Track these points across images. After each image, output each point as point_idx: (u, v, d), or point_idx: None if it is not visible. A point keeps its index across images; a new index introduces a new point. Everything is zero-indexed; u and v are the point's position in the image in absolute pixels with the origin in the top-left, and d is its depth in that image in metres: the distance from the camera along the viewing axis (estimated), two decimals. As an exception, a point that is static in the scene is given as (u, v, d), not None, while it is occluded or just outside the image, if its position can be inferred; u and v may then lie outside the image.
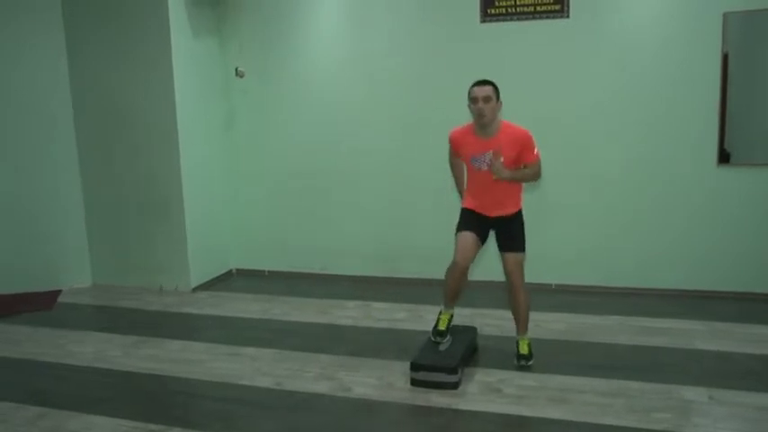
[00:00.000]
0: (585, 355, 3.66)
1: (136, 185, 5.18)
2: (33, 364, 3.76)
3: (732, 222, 4.57)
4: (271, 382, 3.41)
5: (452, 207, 3.66)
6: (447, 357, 3.34)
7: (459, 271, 3.40)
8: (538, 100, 4.75)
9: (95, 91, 5.16)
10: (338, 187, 5.38)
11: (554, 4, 4.67)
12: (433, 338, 3.53)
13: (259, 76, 5.44)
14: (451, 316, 3.59)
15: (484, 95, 3.27)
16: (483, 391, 3.21)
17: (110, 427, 2.96)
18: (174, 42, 4.90)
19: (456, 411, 3.02)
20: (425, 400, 3.14)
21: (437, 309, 3.68)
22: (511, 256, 3.45)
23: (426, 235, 5.07)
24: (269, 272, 5.70)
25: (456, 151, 3.53)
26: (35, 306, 4.87)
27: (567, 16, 4.68)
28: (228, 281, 5.60)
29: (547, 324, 4.12)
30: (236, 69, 5.41)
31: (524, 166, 3.36)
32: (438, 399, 3.14)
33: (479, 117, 3.30)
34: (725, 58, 4.42)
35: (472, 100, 3.31)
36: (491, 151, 3.30)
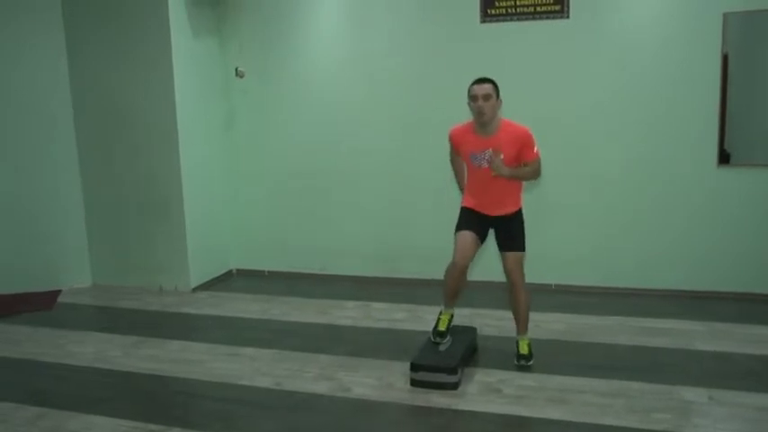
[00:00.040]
0: (585, 355, 3.66)
1: (136, 185, 5.18)
2: (33, 365, 3.76)
3: (732, 223, 4.56)
4: (270, 382, 3.41)
5: (452, 207, 3.66)
6: (447, 358, 3.34)
7: (458, 270, 3.39)
8: (538, 100, 4.75)
9: (95, 91, 5.16)
10: (338, 187, 5.38)
11: (554, 4, 4.67)
12: (432, 339, 3.53)
13: (259, 76, 5.44)
14: (451, 316, 3.58)
15: (484, 93, 3.27)
16: (483, 392, 3.21)
17: (109, 427, 2.96)
18: (174, 42, 4.90)
19: (456, 412, 3.02)
20: (425, 400, 3.14)
21: (437, 309, 3.68)
22: (511, 255, 3.44)
23: (426, 235, 5.07)
24: (269, 272, 5.70)
25: (456, 149, 3.53)
26: (35, 306, 4.87)
27: (567, 16, 4.68)
28: (228, 281, 5.60)
29: (547, 324, 4.12)
30: (236, 69, 5.41)
31: (524, 165, 3.36)
32: (438, 399, 3.14)
33: (479, 115, 3.29)
34: (725, 58, 4.42)
35: (472, 98, 3.31)
36: (491, 149, 3.30)
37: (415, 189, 5.16)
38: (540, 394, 3.16)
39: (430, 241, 4.96)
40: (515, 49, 4.81)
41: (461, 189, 3.69)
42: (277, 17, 5.31)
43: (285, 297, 4.99)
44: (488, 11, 4.83)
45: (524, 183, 3.52)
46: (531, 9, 4.72)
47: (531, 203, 4.50)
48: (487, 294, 4.66)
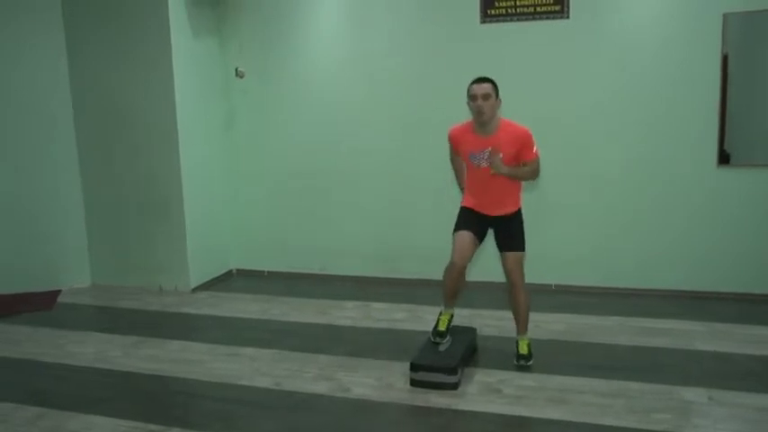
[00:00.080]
0: (585, 355, 3.66)
1: (136, 185, 5.18)
2: (33, 365, 3.76)
3: (732, 223, 4.56)
4: (270, 382, 3.41)
5: (452, 207, 3.66)
6: (446, 358, 3.34)
7: (456, 271, 3.39)
8: (538, 100, 4.75)
9: (95, 91, 5.16)
10: (338, 187, 5.38)
11: (554, 4, 4.67)
12: (432, 339, 3.53)
13: (259, 76, 5.44)
14: (451, 316, 3.58)
15: (483, 93, 3.27)
16: (482, 392, 3.21)
17: (109, 427, 2.96)
18: (174, 42, 4.90)
19: (455, 412, 3.02)
20: (425, 400, 3.14)
21: (437, 309, 3.68)
22: (511, 255, 3.44)
23: (426, 235, 5.06)
24: (269, 272, 5.70)
25: (455, 149, 3.53)
26: (35, 306, 4.87)
27: (567, 17, 4.68)
28: (228, 281, 5.60)
29: (546, 324, 4.12)
30: (236, 69, 5.41)
31: (523, 165, 3.36)
32: (437, 399, 3.14)
33: (478, 114, 3.29)
34: (725, 58, 4.42)
35: (471, 97, 3.31)
36: (490, 148, 3.30)
37: (415, 189, 5.16)
38: (539, 394, 3.16)
39: (430, 241, 4.95)
40: (515, 49, 4.81)
41: (462, 189, 3.68)
42: (277, 17, 5.31)
43: (285, 297, 4.99)
44: (488, 11, 4.83)
45: (524, 183, 3.52)
46: (531, 9, 4.72)
47: (531, 203, 4.50)
48: (487, 295, 4.66)
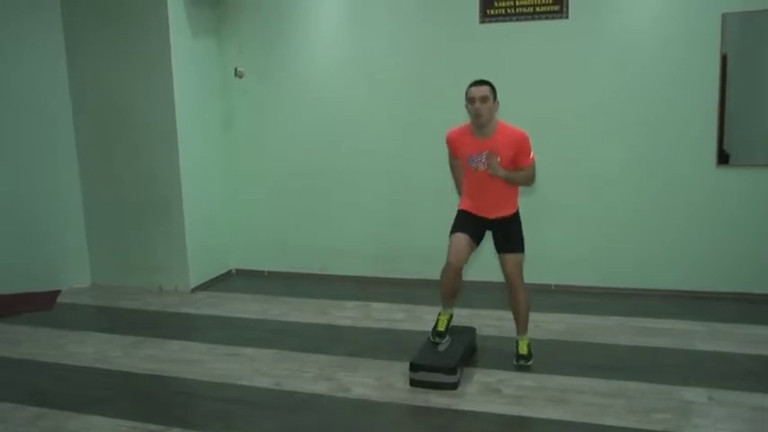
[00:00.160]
0: (585, 355, 3.67)
1: (135, 185, 5.18)
2: (33, 365, 3.76)
3: (731, 223, 4.57)
4: (270, 382, 3.41)
5: (452, 207, 3.66)
6: (446, 358, 3.34)
7: (452, 271, 3.40)
8: (537, 100, 4.76)
9: (95, 91, 5.16)
10: (338, 187, 5.38)
11: (553, 4, 4.67)
12: (432, 339, 3.53)
13: (259, 76, 5.44)
14: (450, 316, 3.58)
15: (481, 95, 3.27)
16: (482, 392, 3.21)
17: (109, 427, 2.96)
18: (174, 42, 4.90)
19: (455, 412, 3.02)
20: (424, 400, 3.14)
21: (436, 309, 3.68)
22: (510, 257, 3.44)
23: (426, 235, 5.06)
24: (268, 272, 5.70)
25: (453, 152, 3.53)
26: (35, 306, 4.87)
27: (567, 17, 4.68)
28: (228, 281, 5.60)
29: (546, 324, 4.12)
30: (236, 70, 5.41)
31: (520, 169, 3.36)
32: (437, 399, 3.14)
33: (476, 117, 3.30)
34: (724, 58, 4.42)
35: (469, 100, 3.31)
36: (487, 151, 3.30)
37: (414, 189, 5.16)
38: (539, 394, 3.16)
39: (430, 241, 4.94)
40: (515, 49, 4.82)
41: (460, 194, 3.68)
42: (277, 17, 5.32)
43: (285, 297, 4.99)
44: (488, 11, 4.83)
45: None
46: (531, 9, 4.72)
47: (531, 203, 4.50)
48: (486, 295, 4.66)
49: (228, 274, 5.74)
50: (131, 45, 4.99)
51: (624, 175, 4.73)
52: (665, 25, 4.53)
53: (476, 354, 3.68)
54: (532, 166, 3.38)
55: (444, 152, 3.70)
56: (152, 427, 2.95)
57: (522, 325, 3.56)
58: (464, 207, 3.52)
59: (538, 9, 4.71)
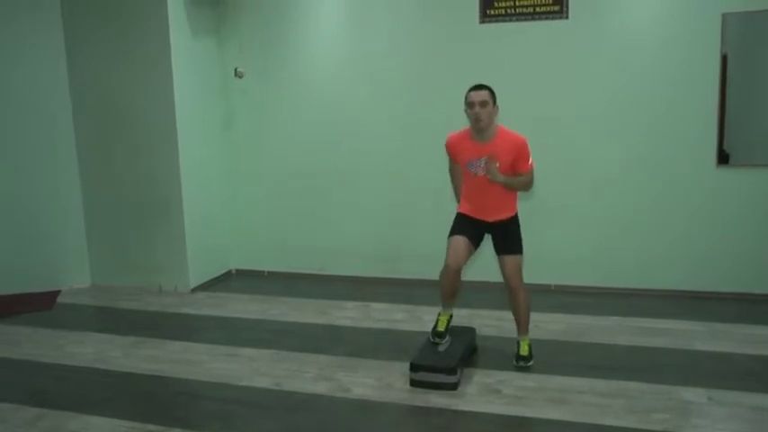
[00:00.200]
0: (585, 355, 3.67)
1: (135, 185, 5.18)
2: (33, 365, 3.76)
3: (731, 223, 4.57)
4: (269, 382, 3.41)
5: (452, 207, 3.66)
6: (446, 358, 3.34)
7: (450, 274, 3.40)
8: (537, 100, 4.76)
9: (95, 91, 5.16)
10: (338, 187, 5.38)
11: (553, 4, 4.67)
12: (432, 339, 3.53)
13: (259, 76, 5.44)
14: (450, 317, 3.58)
15: (480, 100, 3.27)
16: (482, 392, 3.21)
17: (109, 427, 2.96)
18: (174, 42, 4.90)
19: (455, 412, 3.02)
20: (425, 400, 3.14)
21: (436, 309, 3.68)
22: (509, 258, 3.44)
23: (426, 235, 5.06)
24: (268, 272, 5.70)
25: (453, 157, 3.52)
26: (34, 306, 4.87)
27: (567, 17, 4.68)
28: (228, 281, 5.60)
29: (546, 325, 4.12)
30: (236, 70, 5.41)
31: (518, 175, 3.35)
32: (437, 399, 3.14)
33: (476, 121, 3.29)
34: (724, 58, 4.42)
35: (469, 104, 3.31)
36: (486, 156, 3.30)
37: (414, 189, 5.16)
38: (539, 395, 3.16)
39: (430, 241, 4.94)
40: (515, 49, 4.82)
41: (458, 200, 3.67)
42: (277, 17, 5.31)
43: (284, 297, 4.99)
44: (487, 11, 4.83)
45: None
46: (531, 9, 4.72)
47: (531, 204, 4.51)
48: (486, 295, 4.66)
49: (228, 274, 5.74)
50: (131, 45, 4.99)
51: (624, 175, 4.73)
52: (665, 25, 4.53)
53: (476, 354, 3.68)
54: (531, 172, 3.38)
55: (444, 154, 3.70)
56: (151, 427, 2.95)
57: (522, 326, 3.56)
58: (463, 210, 3.52)
59: (538, 9, 4.71)
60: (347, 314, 4.54)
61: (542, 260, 4.78)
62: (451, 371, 3.23)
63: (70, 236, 5.32)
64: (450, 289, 3.48)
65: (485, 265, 4.59)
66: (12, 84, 5.00)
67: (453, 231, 3.47)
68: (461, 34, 4.90)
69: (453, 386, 3.22)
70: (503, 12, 4.79)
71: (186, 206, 5.09)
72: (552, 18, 4.70)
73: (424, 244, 5.09)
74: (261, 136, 5.54)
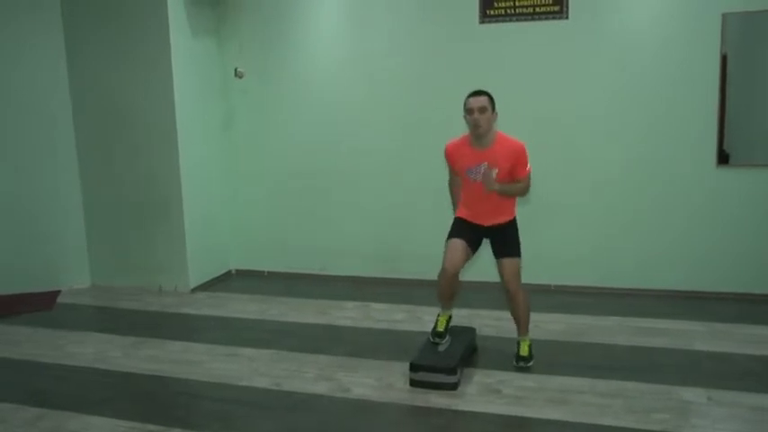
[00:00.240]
0: (584, 355, 3.67)
1: (135, 186, 5.18)
2: (33, 365, 3.76)
3: (731, 223, 4.57)
4: (269, 382, 3.41)
5: (452, 207, 3.66)
6: (446, 358, 3.35)
7: (447, 277, 3.40)
8: (538, 100, 4.76)
9: (95, 91, 5.16)
10: (338, 187, 5.38)
11: (553, 5, 4.67)
12: (431, 339, 3.53)
13: (259, 76, 5.44)
14: (450, 317, 3.59)
15: (479, 106, 3.27)
16: (482, 392, 3.21)
17: (109, 427, 2.96)
18: (174, 42, 4.90)
19: (455, 412, 3.02)
20: (425, 400, 3.14)
21: (436, 309, 3.68)
22: (507, 261, 3.44)
23: (426, 235, 5.05)
24: (268, 272, 5.70)
25: (452, 165, 3.50)
26: (34, 306, 4.87)
27: (567, 17, 4.68)
28: (227, 281, 5.60)
29: (545, 325, 4.12)
30: (236, 70, 5.41)
31: (516, 181, 3.36)
32: (437, 399, 3.14)
33: (475, 128, 3.30)
34: (724, 58, 4.42)
35: (468, 111, 3.31)
36: (485, 163, 3.30)
37: (414, 189, 5.16)
38: (539, 395, 3.16)
39: (430, 241, 4.92)
40: (515, 49, 4.82)
41: (455, 212, 3.65)
42: (277, 17, 5.32)
43: (284, 297, 4.99)
44: (487, 11, 4.83)
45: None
46: (530, 10, 4.72)
47: (532, 204, 4.52)
48: (486, 295, 4.66)
49: (228, 274, 5.74)
50: (131, 45, 4.99)
51: (624, 175, 4.73)
52: (665, 25, 4.53)
53: (476, 354, 3.68)
54: (528, 178, 3.40)
55: (443, 160, 3.66)
56: (151, 427, 2.95)
57: (522, 327, 3.56)
58: (461, 215, 3.52)
59: (538, 9, 4.71)
60: (347, 314, 4.54)
61: (542, 260, 4.78)
62: (451, 371, 3.23)
63: (70, 236, 5.32)
64: (447, 291, 3.49)
65: (485, 265, 4.57)
66: (12, 84, 5.00)
67: (451, 235, 3.48)
68: (461, 34, 4.90)
69: (453, 386, 3.22)
70: (503, 12, 4.79)
71: (186, 206, 5.09)
72: (552, 18, 4.70)
73: (423, 244, 5.09)
74: (261, 136, 5.54)
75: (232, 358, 3.77)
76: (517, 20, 4.77)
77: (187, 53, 5.06)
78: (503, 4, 4.78)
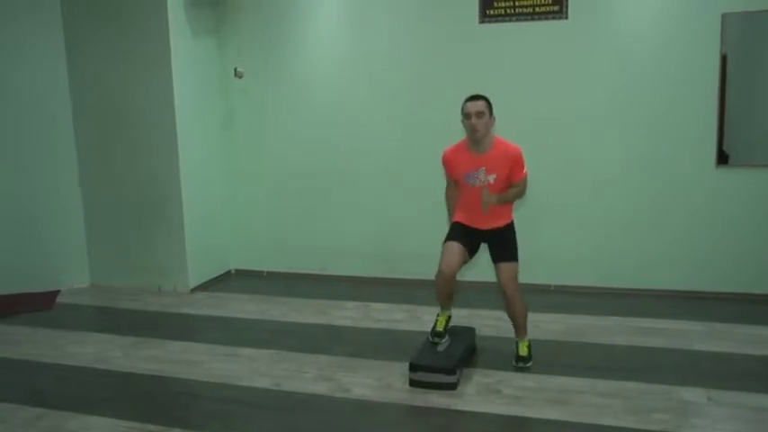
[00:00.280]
0: (584, 355, 3.67)
1: (135, 186, 5.18)
2: (32, 365, 3.76)
3: (731, 223, 4.57)
4: (269, 382, 3.41)
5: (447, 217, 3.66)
6: (445, 358, 3.35)
7: (444, 279, 3.40)
8: (538, 100, 4.76)
9: (95, 91, 5.16)
10: (338, 187, 5.38)
11: (553, 5, 4.67)
12: (431, 339, 3.53)
13: (258, 77, 5.44)
14: (449, 317, 3.59)
15: (477, 110, 3.28)
16: (482, 392, 3.21)
17: (108, 427, 2.96)
18: (174, 43, 4.90)
19: (455, 412, 3.02)
20: (424, 400, 3.14)
21: (436, 309, 3.68)
22: (504, 266, 3.44)
23: (426, 235, 5.03)
24: (268, 272, 5.70)
25: (450, 171, 3.50)
26: (34, 306, 4.87)
27: (566, 17, 4.68)
28: (227, 281, 5.60)
29: (545, 325, 4.12)
30: (236, 70, 5.40)
31: (512, 185, 3.38)
32: (437, 399, 3.14)
33: (472, 132, 3.30)
34: (723, 59, 4.42)
35: (465, 115, 3.32)
36: (483, 168, 3.31)
37: (414, 189, 5.16)
38: (538, 395, 3.16)
39: (430, 241, 4.90)
40: (515, 49, 4.82)
41: (450, 222, 3.64)
42: (277, 17, 5.32)
43: (284, 297, 4.99)
44: (487, 11, 4.83)
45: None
46: (530, 10, 4.72)
47: (531, 204, 4.52)
48: (485, 295, 4.65)
49: (228, 274, 5.74)
50: (131, 45, 4.99)
51: (624, 175, 4.73)
52: (665, 25, 4.53)
53: (475, 354, 3.68)
54: (525, 180, 3.41)
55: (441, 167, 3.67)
56: (151, 427, 2.95)
57: (520, 329, 3.56)
58: (458, 219, 3.52)
59: (537, 9, 4.71)
60: (347, 314, 4.54)
61: (542, 260, 4.78)
62: (451, 371, 3.23)
63: (70, 236, 5.32)
64: (445, 292, 3.49)
65: (484, 265, 4.57)
66: (12, 84, 5.00)
67: (448, 238, 3.49)
68: (461, 34, 4.90)
69: (453, 386, 3.22)
70: (502, 12, 4.79)
71: (186, 206, 5.09)
72: (552, 18, 4.70)
73: (424, 244, 5.07)
74: (261, 136, 5.54)
75: (232, 358, 3.77)
76: (517, 20, 4.77)
77: (187, 53, 5.06)
78: (502, 4, 4.78)
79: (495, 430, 2.87)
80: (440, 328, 3.52)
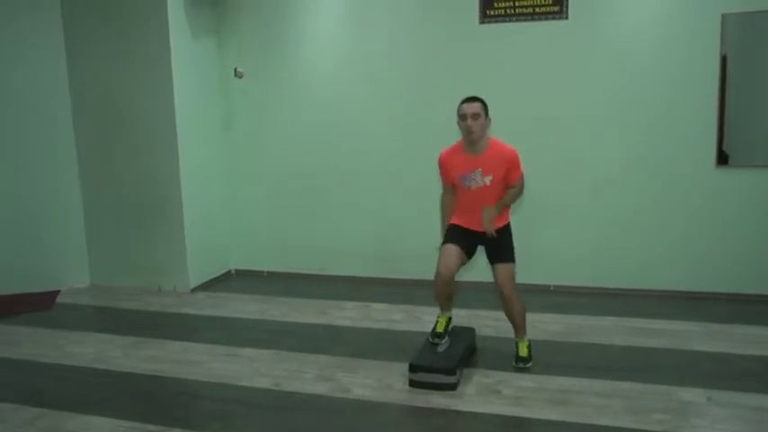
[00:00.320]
0: (583, 356, 3.67)
1: (135, 186, 5.18)
2: (32, 365, 3.76)
3: (731, 224, 4.57)
4: (269, 382, 3.41)
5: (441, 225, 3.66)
6: (445, 358, 3.35)
7: (442, 280, 3.40)
8: (537, 101, 4.76)
9: (95, 91, 5.16)
10: (338, 187, 5.38)
11: (553, 5, 4.67)
12: (431, 340, 3.54)
13: (258, 77, 5.44)
14: (449, 318, 3.59)
15: (472, 112, 3.28)
16: (481, 393, 3.21)
17: (108, 427, 2.97)
18: (173, 43, 4.90)
19: (455, 412, 3.02)
20: (424, 401, 3.14)
21: (436, 310, 3.69)
22: (502, 267, 3.44)
23: (426, 235, 5.02)
24: (268, 272, 5.70)
25: (446, 174, 3.49)
26: (34, 306, 4.87)
27: (566, 17, 4.68)
28: (227, 281, 5.60)
29: (544, 325, 4.12)
30: (235, 70, 5.40)
31: (509, 187, 3.38)
32: (437, 400, 3.14)
33: (468, 134, 3.31)
34: (723, 59, 4.42)
35: (461, 117, 3.32)
36: (480, 169, 3.32)
37: (414, 189, 5.16)
38: (538, 395, 3.17)
39: (430, 242, 4.92)
40: (515, 49, 4.82)
41: (444, 231, 3.63)
42: (277, 17, 5.32)
43: (284, 297, 4.99)
44: (487, 11, 4.83)
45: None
46: (530, 10, 4.72)
47: (531, 204, 4.52)
48: (485, 296, 4.64)
49: (228, 274, 5.74)
50: (131, 45, 4.99)
51: (624, 175, 4.73)
52: (664, 25, 4.53)
53: (475, 354, 3.69)
54: (521, 181, 3.41)
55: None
56: (151, 427, 2.95)
57: (519, 330, 3.56)
58: (455, 222, 3.52)
59: (537, 10, 4.71)
60: (347, 314, 4.54)
61: (541, 260, 4.78)
62: (450, 371, 3.23)
63: (70, 236, 5.32)
64: (444, 294, 3.50)
65: (484, 266, 4.56)
66: (12, 84, 5.00)
67: (446, 240, 3.49)
68: (461, 34, 4.90)
69: (452, 386, 3.23)
70: (502, 12, 4.79)
71: (186, 206, 5.10)
72: (552, 18, 4.70)
73: (423, 244, 5.06)
74: (261, 136, 5.54)
75: (232, 358, 3.77)
76: (517, 20, 4.77)
77: (187, 53, 5.06)
78: (503, 5, 4.78)
79: (494, 431, 2.87)
80: (440, 330, 3.53)
